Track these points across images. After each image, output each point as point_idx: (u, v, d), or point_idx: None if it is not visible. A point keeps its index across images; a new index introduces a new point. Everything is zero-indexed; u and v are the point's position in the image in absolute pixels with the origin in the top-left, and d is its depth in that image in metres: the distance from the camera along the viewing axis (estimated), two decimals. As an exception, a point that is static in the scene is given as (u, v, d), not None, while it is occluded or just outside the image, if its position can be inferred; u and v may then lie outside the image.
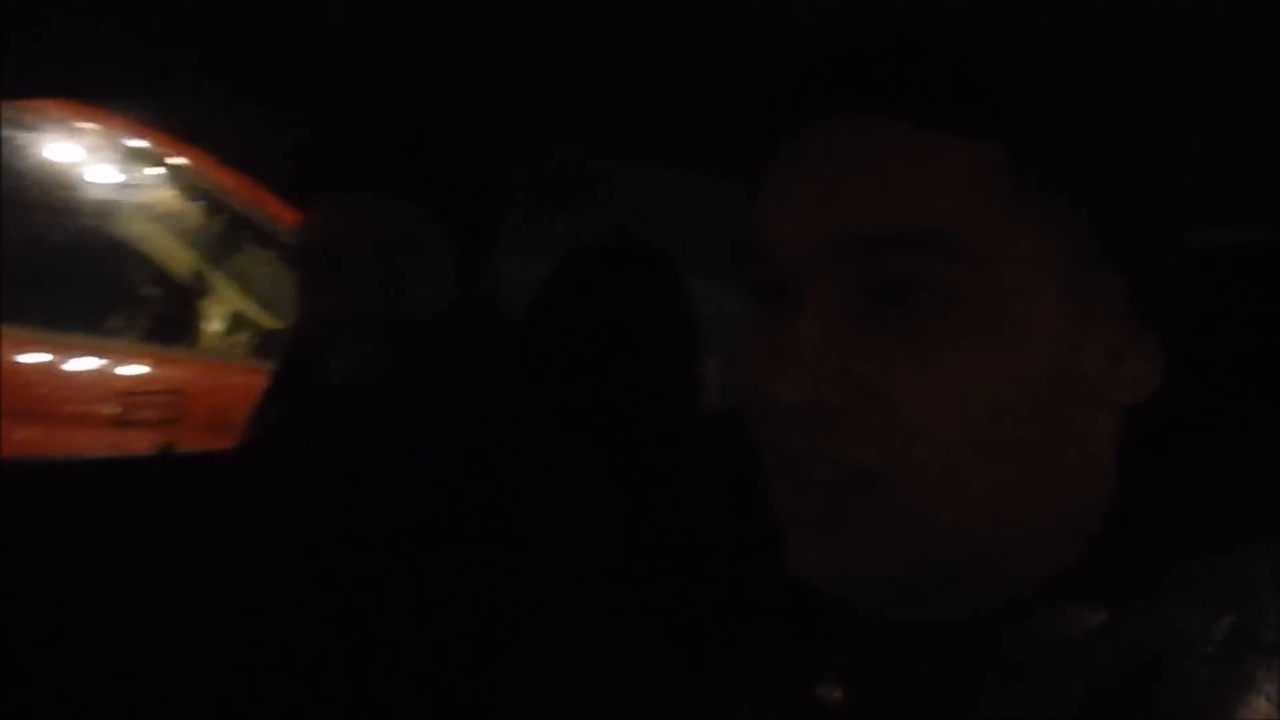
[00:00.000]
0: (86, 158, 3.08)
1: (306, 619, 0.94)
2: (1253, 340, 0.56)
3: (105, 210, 3.12)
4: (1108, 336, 0.46)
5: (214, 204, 3.28)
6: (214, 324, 3.39)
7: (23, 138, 2.90)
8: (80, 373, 2.83)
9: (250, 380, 3.11)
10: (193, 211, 3.31)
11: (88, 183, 3.11)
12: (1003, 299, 0.44)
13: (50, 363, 2.79)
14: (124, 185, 3.18)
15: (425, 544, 0.93)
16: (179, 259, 3.33)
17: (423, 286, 1.05)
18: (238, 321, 3.43)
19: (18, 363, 2.66)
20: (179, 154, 3.20)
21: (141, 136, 3.13)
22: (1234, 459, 0.50)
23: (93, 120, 3.03)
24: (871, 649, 0.48)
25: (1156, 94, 0.48)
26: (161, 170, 3.24)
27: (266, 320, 3.45)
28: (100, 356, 2.89)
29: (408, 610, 0.91)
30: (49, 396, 2.69)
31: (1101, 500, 0.48)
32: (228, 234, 3.35)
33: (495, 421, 1.00)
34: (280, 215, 3.11)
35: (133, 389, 2.82)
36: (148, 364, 2.99)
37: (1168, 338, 0.47)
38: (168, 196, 3.29)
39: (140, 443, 2.61)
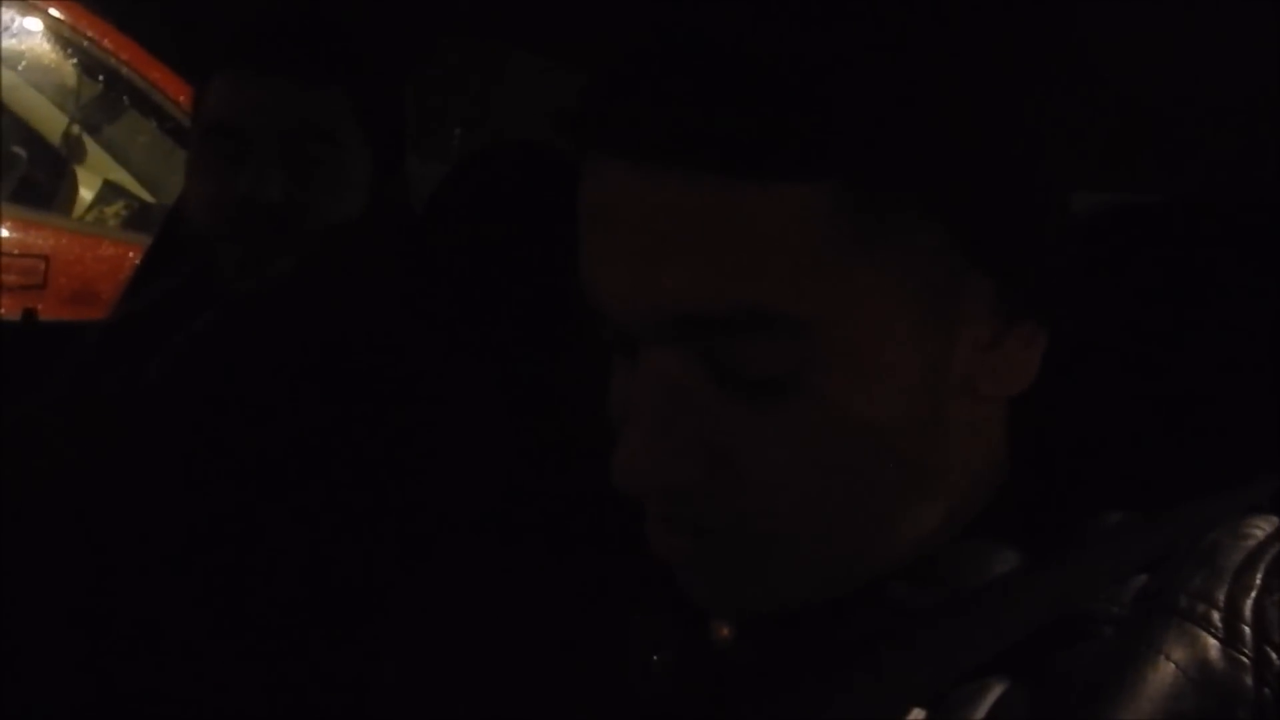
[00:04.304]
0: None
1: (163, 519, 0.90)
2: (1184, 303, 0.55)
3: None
4: (976, 333, 0.43)
5: (92, 64, 3.09)
6: (84, 192, 3.23)
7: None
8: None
9: (120, 253, 3.00)
10: (68, 69, 3.12)
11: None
12: (852, 352, 0.41)
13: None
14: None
15: (305, 459, 0.90)
16: (50, 119, 3.15)
17: (334, 184, 0.98)
18: (110, 191, 3.28)
19: None
20: (57, 6, 3.00)
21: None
22: (1157, 424, 0.51)
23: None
24: None
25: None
26: (36, 21, 3.04)
27: (141, 192, 3.30)
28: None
29: (286, 533, 0.88)
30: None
31: (995, 473, 0.47)
32: (105, 97, 3.18)
33: (395, 335, 0.95)
34: (165, 82, 2.96)
35: (-5, 250, 2.69)
36: (12, 227, 2.84)
37: (1047, 319, 0.45)
38: (41, 50, 3.09)
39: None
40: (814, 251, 0.39)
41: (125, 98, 3.14)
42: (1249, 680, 0.38)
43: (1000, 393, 0.46)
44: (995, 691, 0.41)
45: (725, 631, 0.49)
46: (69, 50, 3.08)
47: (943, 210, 0.41)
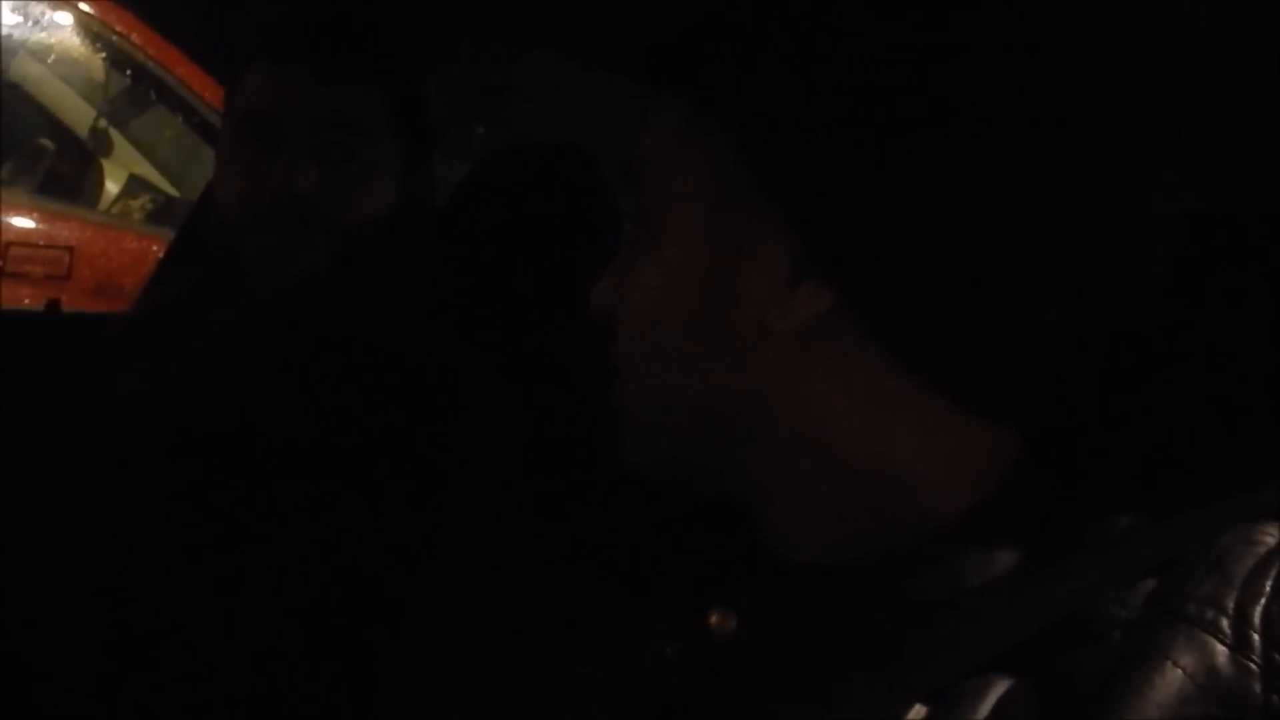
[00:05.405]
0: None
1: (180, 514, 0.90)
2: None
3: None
4: (771, 265, 0.47)
5: (120, 58, 3.12)
6: (110, 185, 3.26)
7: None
8: (-38, 219, 2.71)
9: (143, 247, 3.02)
10: (96, 63, 3.15)
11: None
12: (664, 218, 0.52)
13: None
14: (23, 25, 3.02)
15: (325, 458, 0.90)
16: (77, 112, 3.18)
17: (364, 179, 0.98)
18: (135, 185, 3.31)
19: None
20: (86, 1, 3.03)
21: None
22: (1166, 426, 0.51)
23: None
24: (774, 586, 0.49)
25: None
26: (66, 15, 3.08)
27: (166, 186, 3.33)
28: (-13, 204, 2.77)
29: (303, 526, 0.88)
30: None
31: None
32: (132, 91, 3.21)
33: (417, 336, 0.97)
34: (192, 78, 2.98)
35: (20, 241, 2.71)
36: (38, 218, 2.87)
37: (839, 281, 0.46)
38: (70, 44, 3.12)
39: (22, 297, 2.52)
40: (662, 139, 0.53)
41: (152, 92, 3.16)
42: (1257, 687, 0.38)
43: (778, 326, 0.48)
44: (998, 689, 0.41)
45: (731, 623, 0.49)
46: (97, 44, 3.11)
47: (737, 139, 0.48)
